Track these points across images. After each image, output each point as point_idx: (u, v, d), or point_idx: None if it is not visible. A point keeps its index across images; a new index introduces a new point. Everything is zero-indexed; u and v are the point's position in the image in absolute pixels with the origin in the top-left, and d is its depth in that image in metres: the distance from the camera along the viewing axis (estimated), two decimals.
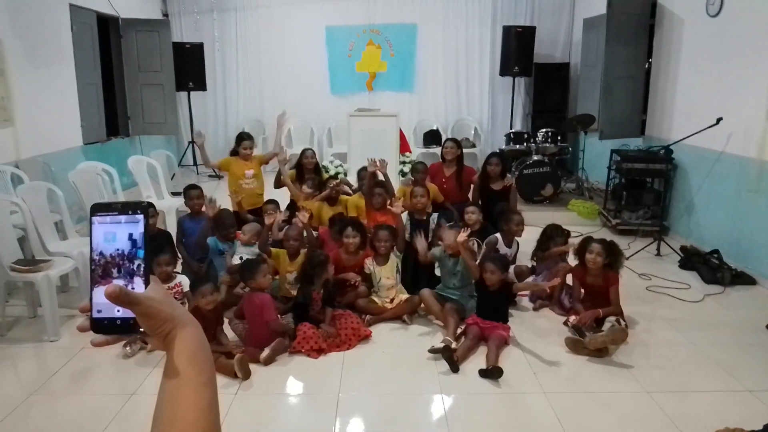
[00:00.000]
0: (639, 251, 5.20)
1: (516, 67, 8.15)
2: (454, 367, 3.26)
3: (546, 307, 4.14)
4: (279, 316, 3.60)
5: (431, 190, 4.91)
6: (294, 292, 3.87)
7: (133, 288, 0.69)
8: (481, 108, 9.03)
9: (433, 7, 8.80)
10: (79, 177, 4.89)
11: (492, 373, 3.19)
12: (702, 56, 5.41)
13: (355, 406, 3.01)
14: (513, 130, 7.56)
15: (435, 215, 4.77)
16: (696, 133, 5.07)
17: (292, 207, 4.79)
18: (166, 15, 8.91)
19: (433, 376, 3.24)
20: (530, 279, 4.35)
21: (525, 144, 7.06)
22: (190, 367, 0.70)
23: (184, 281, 3.77)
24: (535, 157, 6.60)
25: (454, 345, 3.39)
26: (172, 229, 4.84)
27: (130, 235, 0.71)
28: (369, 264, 4.03)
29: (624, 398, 3.04)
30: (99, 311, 0.70)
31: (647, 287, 4.52)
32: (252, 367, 3.25)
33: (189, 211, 4.61)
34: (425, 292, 3.90)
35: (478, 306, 3.76)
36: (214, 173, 8.38)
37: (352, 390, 3.13)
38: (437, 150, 7.54)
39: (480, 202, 5.06)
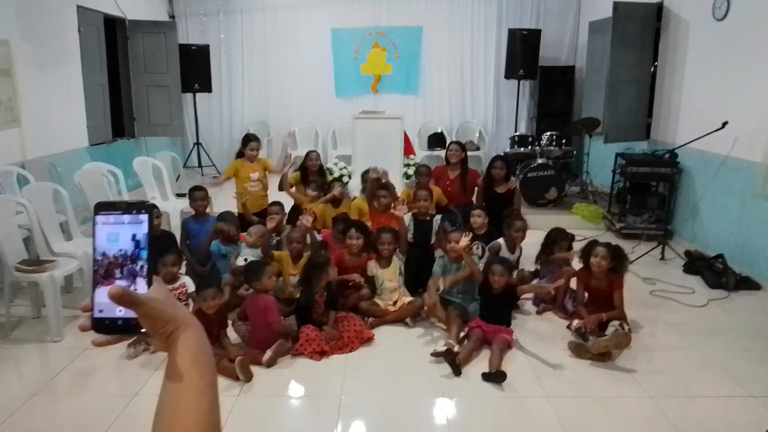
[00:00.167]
0: (643, 255, 5.18)
1: (521, 70, 8.13)
2: (457, 371, 3.26)
3: (549, 311, 4.13)
4: (282, 318, 3.61)
5: (435, 192, 4.91)
6: (297, 295, 3.87)
7: (135, 289, 0.69)
8: (485, 111, 9.02)
9: (439, 9, 8.80)
10: (85, 178, 4.92)
11: (495, 377, 3.18)
12: (708, 60, 5.39)
13: (358, 409, 3.00)
14: (517, 133, 7.55)
15: (438, 216, 4.76)
16: (701, 137, 5.05)
17: (295, 211, 4.79)
18: (172, 17, 8.95)
19: (436, 380, 3.23)
20: (534, 282, 4.33)
21: (529, 147, 7.05)
22: (192, 369, 0.70)
23: (188, 282, 3.78)
24: (540, 161, 6.59)
25: (456, 348, 3.38)
26: (177, 230, 4.85)
27: (134, 235, 0.70)
28: (372, 266, 4.03)
29: (627, 403, 3.03)
30: (101, 311, 0.70)
31: (651, 291, 4.50)
32: (254, 369, 3.25)
33: (194, 212, 4.62)
34: (428, 294, 3.89)
35: (482, 309, 3.76)
36: (219, 175, 8.40)
37: (354, 393, 3.13)
38: (441, 153, 7.54)
39: (484, 205, 5.05)
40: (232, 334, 3.60)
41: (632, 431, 2.80)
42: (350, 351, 3.56)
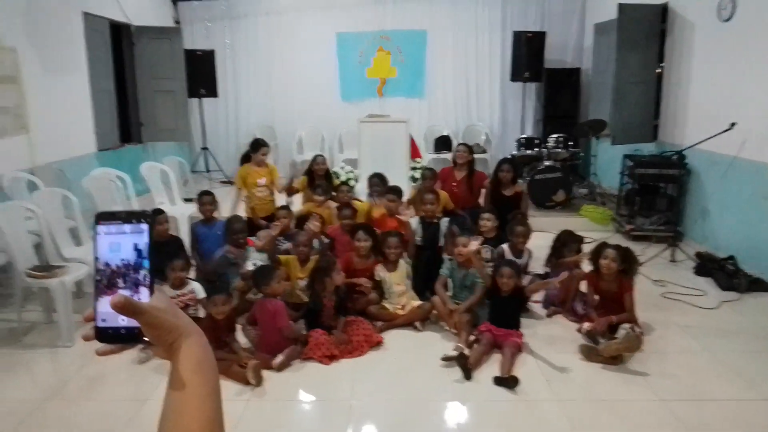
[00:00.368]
0: (653, 257, 5.16)
1: (526, 73, 8.13)
2: (468, 375, 3.25)
3: (559, 314, 4.11)
4: (291, 322, 3.61)
5: (442, 196, 4.90)
6: (305, 298, 3.88)
7: (139, 298, 0.69)
8: (491, 114, 9.01)
9: (443, 13, 8.80)
10: (93, 183, 4.94)
11: (507, 382, 3.17)
12: (714, 61, 5.37)
13: (368, 413, 3.00)
14: (524, 136, 7.53)
15: (445, 219, 4.75)
16: (709, 138, 5.03)
17: (302, 220, 4.75)
18: (177, 22, 8.99)
19: (446, 384, 3.22)
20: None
21: (536, 149, 7.04)
22: (195, 377, 0.70)
23: (197, 288, 3.78)
24: (547, 163, 6.57)
25: (466, 352, 3.37)
26: (185, 235, 4.86)
27: (136, 245, 0.71)
28: (379, 271, 4.03)
29: (639, 407, 3.01)
30: (103, 320, 0.70)
31: (662, 294, 4.47)
32: (264, 373, 3.25)
33: (202, 217, 4.63)
34: (437, 298, 3.88)
35: (491, 313, 3.74)
36: (226, 179, 8.44)
37: (364, 397, 3.13)
38: (448, 156, 7.55)
39: (493, 208, 5.03)
40: (241, 338, 3.60)
41: None
42: (359, 355, 3.55)
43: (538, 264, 4.53)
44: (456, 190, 5.28)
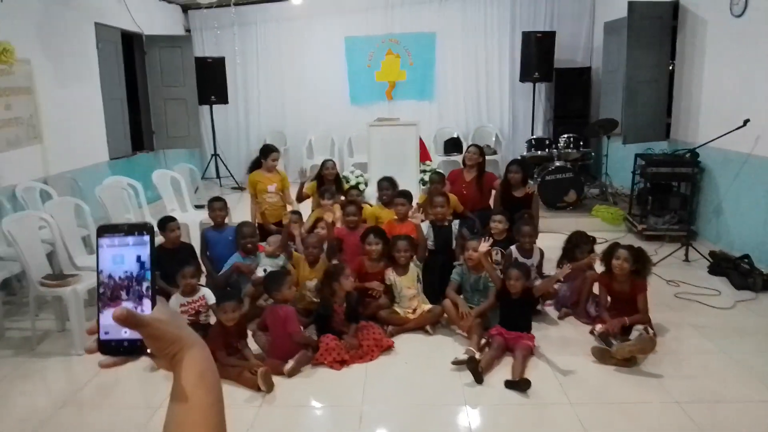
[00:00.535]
0: (666, 257, 5.09)
1: (536, 73, 8.09)
2: (479, 378, 3.23)
3: (571, 316, 4.07)
4: (302, 328, 3.61)
5: (451, 200, 4.88)
6: (314, 299, 3.88)
7: (142, 310, 0.70)
8: (501, 115, 8.98)
9: (452, 15, 8.79)
10: (106, 192, 4.99)
11: (519, 385, 3.14)
12: (727, 57, 5.30)
13: (379, 418, 2.99)
14: (534, 137, 7.49)
15: (456, 222, 4.73)
16: (722, 135, 4.96)
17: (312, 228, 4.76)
18: (188, 31, 9.08)
19: (458, 388, 3.20)
20: (556, 286, 4.26)
21: (547, 150, 6.98)
22: (197, 388, 0.70)
23: (207, 294, 3.79)
24: (558, 163, 6.53)
25: (478, 356, 3.35)
26: (196, 242, 4.89)
27: (139, 257, 0.71)
28: (389, 274, 4.02)
29: (653, 409, 2.97)
30: (106, 333, 0.70)
31: (676, 294, 4.42)
32: (275, 379, 3.25)
33: (212, 223, 4.66)
34: (448, 302, 3.87)
35: (501, 316, 3.72)
36: (237, 186, 8.49)
37: (375, 401, 3.12)
38: (458, 158, 7.53)
39: (504, 210, 5.00)
40: (251, 344, 3.61)
41: None
42: (370, 360, 3.54)
43: (551, 266, 4.49)
44: (465, 191, 5.26)
